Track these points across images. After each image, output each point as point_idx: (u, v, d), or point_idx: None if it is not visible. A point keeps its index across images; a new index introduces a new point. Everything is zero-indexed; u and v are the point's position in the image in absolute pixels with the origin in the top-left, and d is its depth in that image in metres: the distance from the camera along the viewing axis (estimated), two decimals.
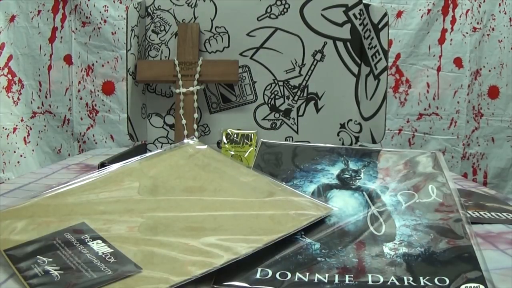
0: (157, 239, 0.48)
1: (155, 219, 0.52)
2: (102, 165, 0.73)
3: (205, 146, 0.71)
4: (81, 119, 1.52)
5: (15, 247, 0.47)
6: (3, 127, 1.47)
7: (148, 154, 0.67)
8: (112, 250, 0.46)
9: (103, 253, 0.46)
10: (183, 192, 0.58)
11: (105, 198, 0.57)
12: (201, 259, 0.44)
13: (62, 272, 0.43)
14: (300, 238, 0.48)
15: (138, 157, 0.66)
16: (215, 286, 0.41)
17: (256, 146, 0.90)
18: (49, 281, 0.42)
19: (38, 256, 0.45)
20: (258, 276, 0.42)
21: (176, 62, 0.91)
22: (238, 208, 0.54)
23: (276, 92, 0.96)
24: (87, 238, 0.48)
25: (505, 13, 1.55)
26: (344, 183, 0.59)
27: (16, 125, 1.50)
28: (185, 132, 0.89)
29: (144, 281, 0.42)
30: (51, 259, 0.45)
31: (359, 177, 0.60)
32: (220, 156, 0.69)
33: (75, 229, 0.50)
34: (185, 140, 0.72)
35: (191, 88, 0.90)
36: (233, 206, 0.55)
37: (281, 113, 0.97)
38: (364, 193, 0.56)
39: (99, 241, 0.48)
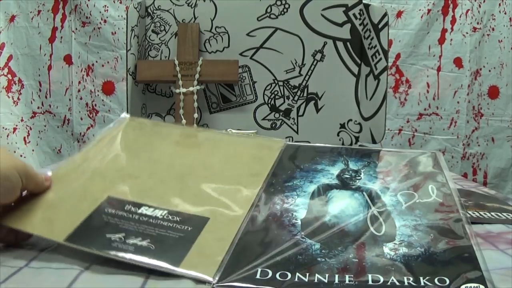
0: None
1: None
2: None
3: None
4: (81, 119, 1.52)
5: (71, 235, 0.45)
6: (3, 127, 1.47)
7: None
8: (167, 211, 0.49)
9: (161, 214, 0.48)
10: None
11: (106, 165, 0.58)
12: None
13: (149, 241, 0.44)
14: (300, 239, 0.48)
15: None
16: (215, 285, 0.41)
17: None
18: (149, 252, 0.43)
19: (107, 235, 0.45)
20: (258, 276, 0.42)
21: (176, 62, 0.91)
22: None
23: (276, 92, 0.96)
24: (131, 208, 0.49)
25: (505, 13, 1.55)
26: (344, 183, 0.59)
27: (16, 125, 1.50)
28: None
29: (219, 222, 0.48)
30: (124, 234, 0.45)
31: (359, 177, 0.60)
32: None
33: (109, 205, 0.50)
34: (122, 116, 0.70)
35: (191, 88, 0.90)
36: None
37: (281, 113, 0.97)
38: (364, 193, 0.56)
39: (145, 207, 0.49)
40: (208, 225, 0.48)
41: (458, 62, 1.55)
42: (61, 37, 1.49)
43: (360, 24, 0.95)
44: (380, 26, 0.91)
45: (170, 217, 0.48)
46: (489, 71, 1.57)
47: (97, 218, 0.48)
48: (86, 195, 0.52)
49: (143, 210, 0.49)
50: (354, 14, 0.95)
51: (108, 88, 1.51)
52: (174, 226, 0.47)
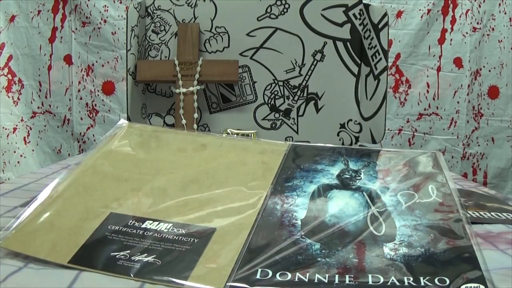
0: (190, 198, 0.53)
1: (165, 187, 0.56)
2: None
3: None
4: (81, 119, 1.52)
5: (75, 256, 0.44)
6: (3, 127, 1.47)
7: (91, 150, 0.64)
8: (171, 223, 0.48)
9: (166, 228, 0.48)
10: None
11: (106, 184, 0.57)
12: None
13: (154, 256, 0.44)
14: (300, 239, 0.48)
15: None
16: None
17: None
18: (155, 268, 0.42)
19: (112, 254, 0.44)
20: (258, 276, 0.42)
21: (176, 62, 0.91)
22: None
23: (276, 92, 0.96)
24: (134, 223, 0.49)
25: (505, 13, 1.55)
26: (344, 183, 0.59)
27: (16, 125, 1.50)
28: None
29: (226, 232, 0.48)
30: (129, 251, 0.44)
31: (359, 177, 0.60)
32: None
33: (111, 221, 0.49)
34: (120, 122, 0.70)
35: (191, 88, 0.90)
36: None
37: (281, 113, 0.97)
38: (364, 193, 0.56)
39: (149, 221, 0.49)
40: (215, 235, 0.47)
41: (458, 62, 1.55)
42: (61, 37, 1.49)
43: (360, 24, 0.95)
44: (380, 26, 0.91)
45: (175, 230, 0.48)
46: (489, 71, 1.57)
47: (100, 236, 0.47)
48: (87, 213, 0.51)
49: (147, 224, 0.48)
50: (354, 14, 0.95)
51: (108, 88, 1.51)
52: (180, 239, 0.46)
